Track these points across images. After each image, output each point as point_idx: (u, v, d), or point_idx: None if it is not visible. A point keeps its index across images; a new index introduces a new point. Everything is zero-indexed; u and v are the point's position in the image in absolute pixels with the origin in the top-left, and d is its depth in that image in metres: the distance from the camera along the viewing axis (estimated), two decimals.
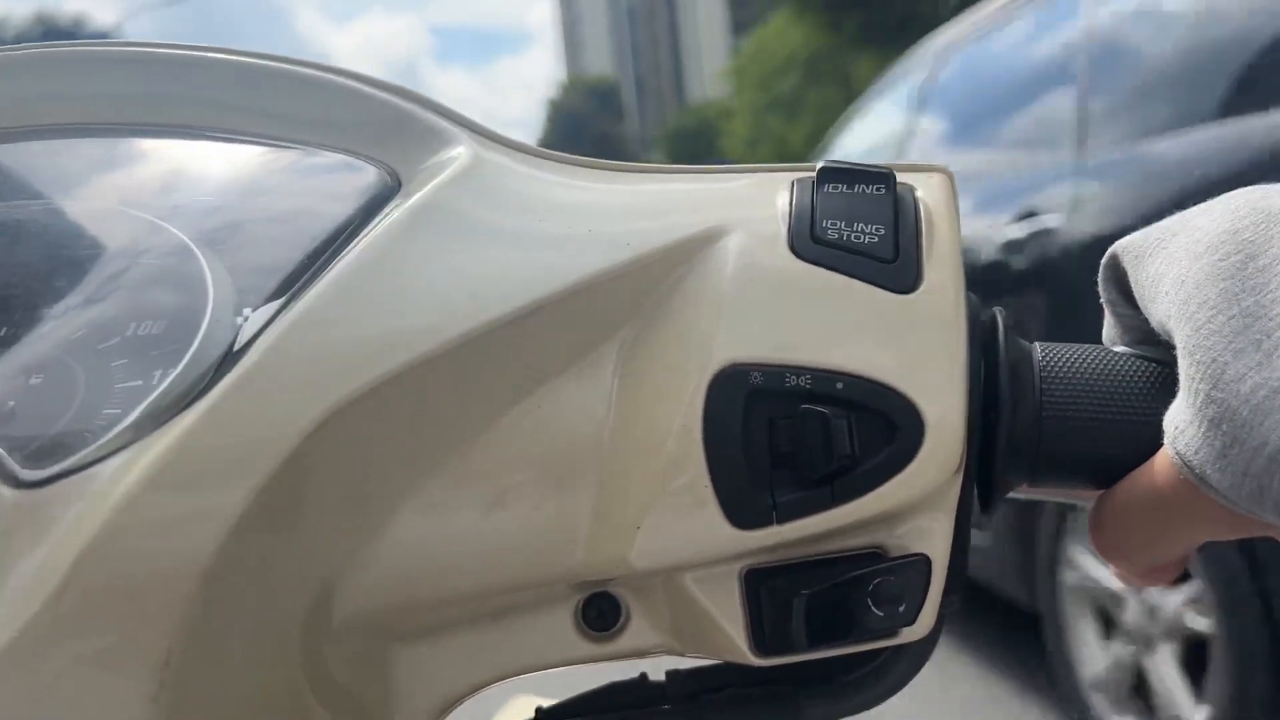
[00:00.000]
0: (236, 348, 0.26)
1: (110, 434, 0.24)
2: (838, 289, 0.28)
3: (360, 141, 0.32)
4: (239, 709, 0.25)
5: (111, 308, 0.29)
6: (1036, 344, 0.31)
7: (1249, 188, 0.28)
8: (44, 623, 0.22)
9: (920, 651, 0.31)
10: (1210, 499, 0.25)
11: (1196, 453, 0.25)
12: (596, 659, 0.31)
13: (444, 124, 0.32)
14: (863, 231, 0.28)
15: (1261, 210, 0.27)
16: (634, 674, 0.35)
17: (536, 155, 0.32)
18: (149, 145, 0.33)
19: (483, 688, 0.32)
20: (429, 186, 0.29)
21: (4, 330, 0.28)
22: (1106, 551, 0.30)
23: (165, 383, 0.25)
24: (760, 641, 0.29)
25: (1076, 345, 0.31)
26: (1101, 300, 0.32)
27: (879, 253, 0.28)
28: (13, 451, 0.24)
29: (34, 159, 0.33)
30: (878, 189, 0.29)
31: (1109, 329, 0.33)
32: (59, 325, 0.28)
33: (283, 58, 0.33)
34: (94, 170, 0.33)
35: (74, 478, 0.23)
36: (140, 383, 0.27)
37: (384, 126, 0.33)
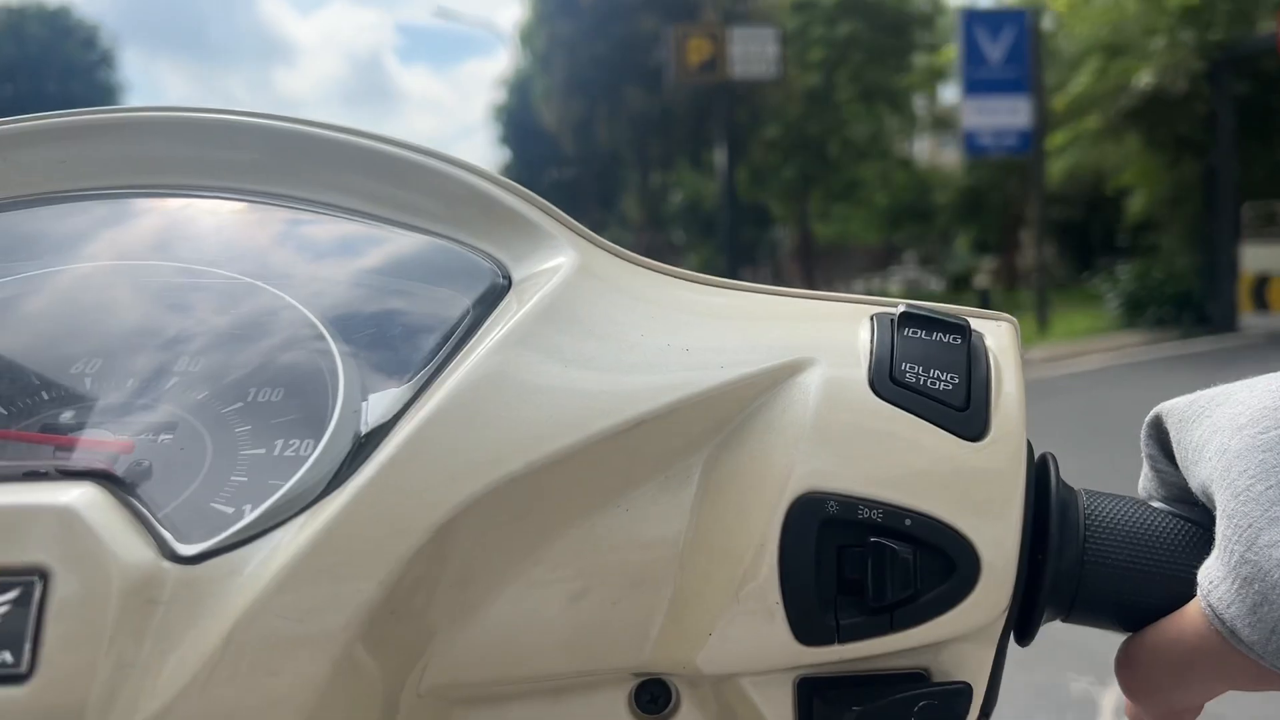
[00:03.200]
0: (363, 432, 0.28)
1: (254, 514, 0.26)
2: (913, 432, 0.30)
3: (474, 234, 0.35)
4: None
5: (233, 373, 0.31)
6: (1082, 490, 0.34)
7: None
8: (199, 687, 0.24)
9: None
10: (1238, 652, 0.28)
11: (1229, 607, 0.28)
12: None
13: (553, 225, 0.35)
14: (938, 378, 0.31)
15: None
16: None
17: (637, 264, 0.35)
18: (270, 217, 0.35)
19: None
20: (543, 293, 0.32)
21: (130, 382, 0.30)
22: (1131, 691, 0.32)
23: (308, 463, 0.27)
24: None
25: (1118, 496, 0.34)
26: (1143, 455, 0.35)
27: (952, 400, 0.30)
28: (162, 521, 0.26)
29: (161, 218, 0.35)
30: (954, 339, 0.32)
31: (1146, 481, 0.35)
32: (181, 384, 0.30)
33: (404, 142, 0.36)
34: (212, 236, 0.35)
35: (226, 556, 0.25)
36: (264, 451, 0.29)
37: (497, 222, 0.35)
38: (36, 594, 0.23)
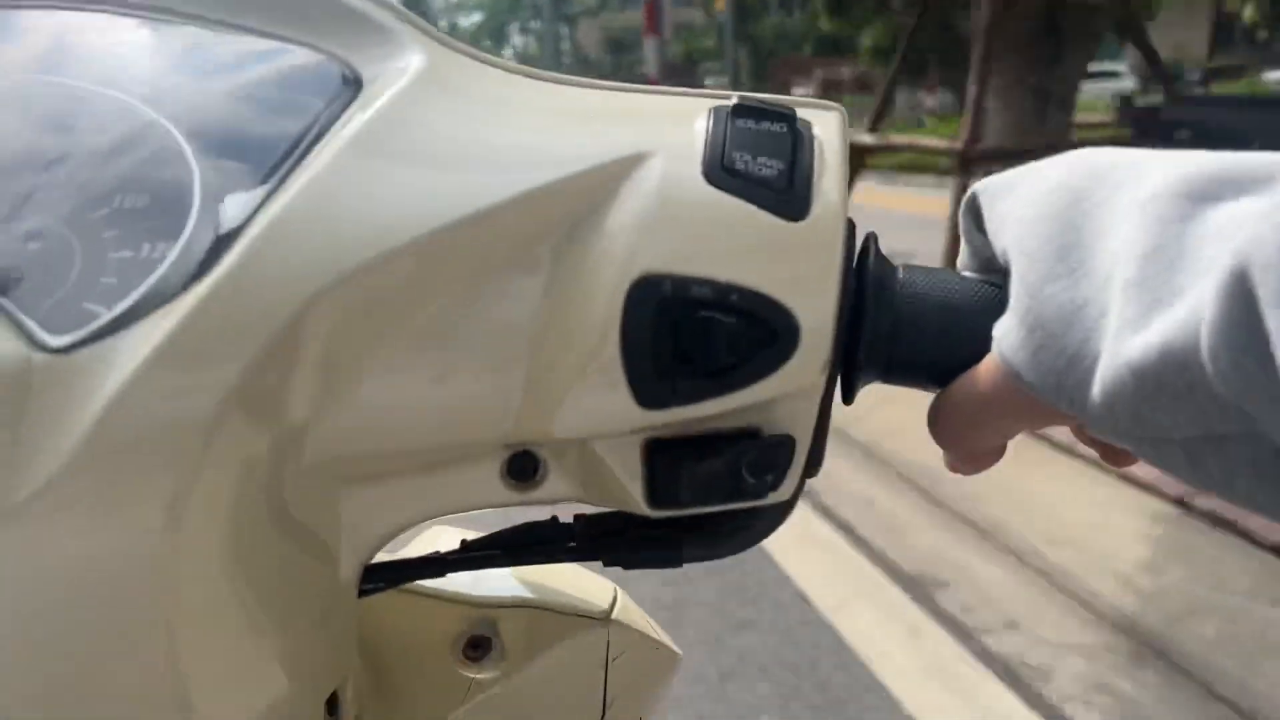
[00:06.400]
0: (222, 230, 0.30)
1: (120, 308, 0.28)
2: (741, 215, 0.33)
3: (324, 37, 0.36)
4: (228, 539, 0.30)
5: (98, 181, 0.32)
6: (901, 265, 0.37)
7: (1088, 148, 0.34)
8: (71, 470, 0.26)
9: (781, 512, 0.38)
10: (1023, 392, 0.32)
11: (1015, 353, 0.32)
12: (516, 504, 0.37)
13: (401, 26, 0.36)
14: (765, 165, 0.33)
15: (1092, 165, 0.33)
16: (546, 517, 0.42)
17: (487, 63, 0.36)
18: (120, 26, 0.36)
19: (418, 523, 0.38)
20: (392, 91, 0.33)
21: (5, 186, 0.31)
22: (939, 439, 0.37)
23: (167, 261, 0.29)
24: (654, 496, 0.35)
25: (934, 268, 0.37)
26: (960, 230, 0.38)
27: (776, 184, 0.33)
28: (29, 317, 0.28)
29: (11, 32, 0.35)
30: (780, 127, 0.34)
31: (963, 255, 0.39)
32: (49, 195, 0.31)
33: None
34: (69, 48, 0.35)
35: (94, 346, 0.27)
36: (132, 254, 0.30)
37: (344, 25, 0.36)
38: None
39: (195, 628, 0.29)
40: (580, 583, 0.50)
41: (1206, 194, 0.29)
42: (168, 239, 0.30)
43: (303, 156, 0.32)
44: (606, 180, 0.33)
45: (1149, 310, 0.27)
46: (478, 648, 0.46)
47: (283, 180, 0.31)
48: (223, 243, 0.29)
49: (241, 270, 0.29)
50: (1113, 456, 0.35)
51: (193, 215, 0.30)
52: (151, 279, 0.29)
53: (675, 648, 0.52)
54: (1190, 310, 0.26)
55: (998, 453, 0.37)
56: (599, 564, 0.46)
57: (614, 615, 0.48)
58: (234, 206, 0.31)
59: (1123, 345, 0.28)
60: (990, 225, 0.36)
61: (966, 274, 0.37)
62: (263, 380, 0.29)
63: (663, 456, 0.34)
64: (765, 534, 0.39)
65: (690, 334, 0.32)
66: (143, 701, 0.29)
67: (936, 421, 0.36)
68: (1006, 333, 0.32)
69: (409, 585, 0.46)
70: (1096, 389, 0.29)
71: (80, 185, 0.32)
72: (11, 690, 0.27)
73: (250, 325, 0.28)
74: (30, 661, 0.27)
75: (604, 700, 0.47)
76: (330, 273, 0.29)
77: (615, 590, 0.50)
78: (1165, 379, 0.27)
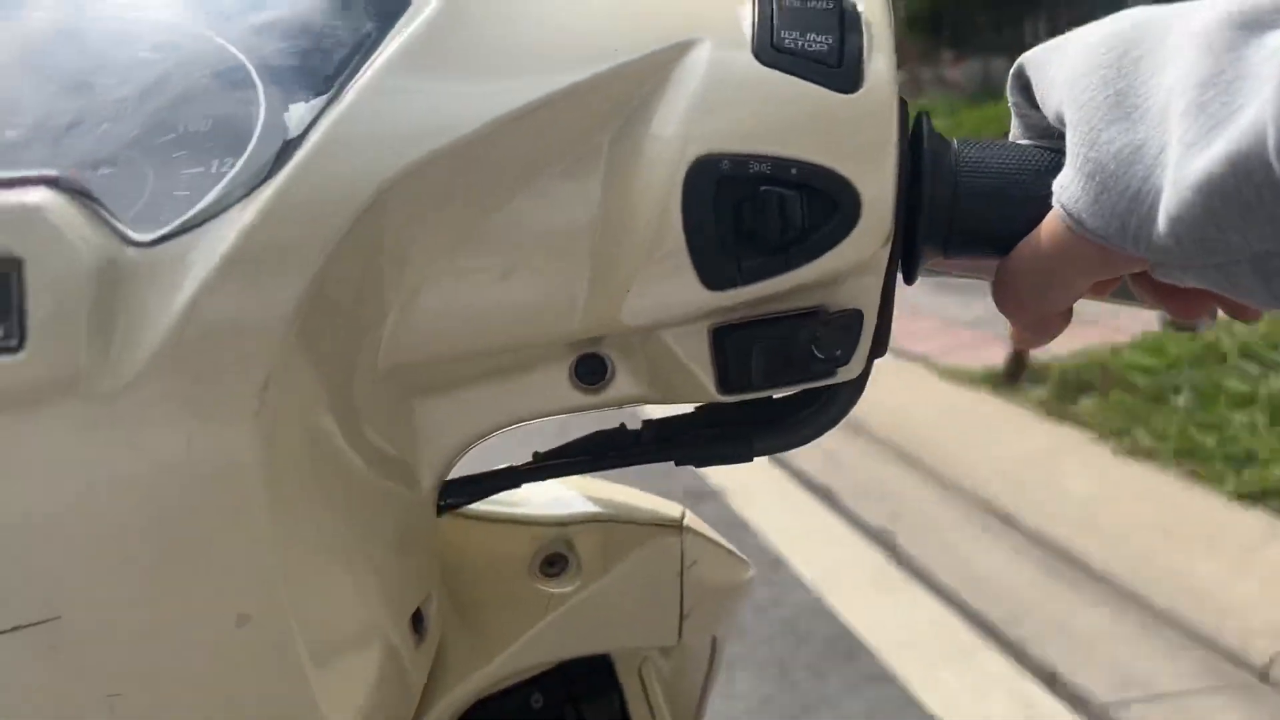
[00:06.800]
0: (289, 136, 0.31)
1: (200, 205, 0.29)
2: (793, 91, 0.33)
3: None
4: (311, 445, 0.31)
5: (160, 107, 0.33)
6: (955, 139, 0.37)
7: (1130, 9, 0.34)
8: (170, 349, 0.27)
9: (851, 394, 0.39)
10: (1089, 241, 0.32)
11: (1076, 201, 0.32)
12: (587, 408, 0.38)
13: None
14: (814, 40, 0.33)
15: (1136, 18, 0.33)
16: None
17: None
18: None
19: (491, 433, 0.38)
20: (437, 2, 0.34)
21: (65, 125, 0.32)
22: (1006, 308, 0.37)
23: (239, 163, 0.30)
24: (725, 382, 0.35)
25: (988, 140, 0.37)
26: (1010, 104, 0.38)
27: (827, 59, 0.33)
28: (118, 217, 0.29)
29: None
30: (827, 3, 0.34)
31: (1014, 129, 0.39)
32: (115, 124, 0.32)
33: None
34: None
35: (179, 239, 0.28)
36: (201, 169, 0.31)
37: None
38: (15, 280, 0.26)
39: (289, 522, 0.30)
40: (647, 500, 0.50)
41: (1258, 22, 0.29)
42: (236, 151, 0.31)
43: (359, 66, 0.32)
44: (657, 68, 0.33)
45: (1211, 131, 0.27)
46: (554, 564, 0.46)
47: (342, 88, 0.32)
48: (290, 146, 0.30)
49: (309, 168, 0.30)
50: (1180, 307, 0.35)
51: (259, 127, 0.31)
52: (225, 180, 0.29)
53: (746, 560, 0.53)
54: (1254, 117, 0.26)
55: (1065, 316, 0.37)
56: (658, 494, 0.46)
57: (685, 524, 0.49)
58: (297, 115, 0.31)
59: (1185, 169, 0.28)
60: (1040, 91, 0.35)
61: (1022, 142, 0.37)
62: (340, 271, 0.30)
63: (732, 339, 0.35)
64: (834, 421, 0.40)
65: (752, 211, 0.32)
66: (241, 595, 0.30)
67: (1001, 289, 0.37)
68: (1066, 185, 0.32)
69: (483, 510, 0.47)
70: (1162, 222, 0.29)
71: (144, 112, 0.32)
72: (111, 579, 0.28)
73: (323, 217, 0.29)
74: (130, 550, 0.28)
75: (680, 609, 0.48)
76: (393, 167, 0.30)
77: (682, 507, 0.51)
78: (1232, 191, 0.27)
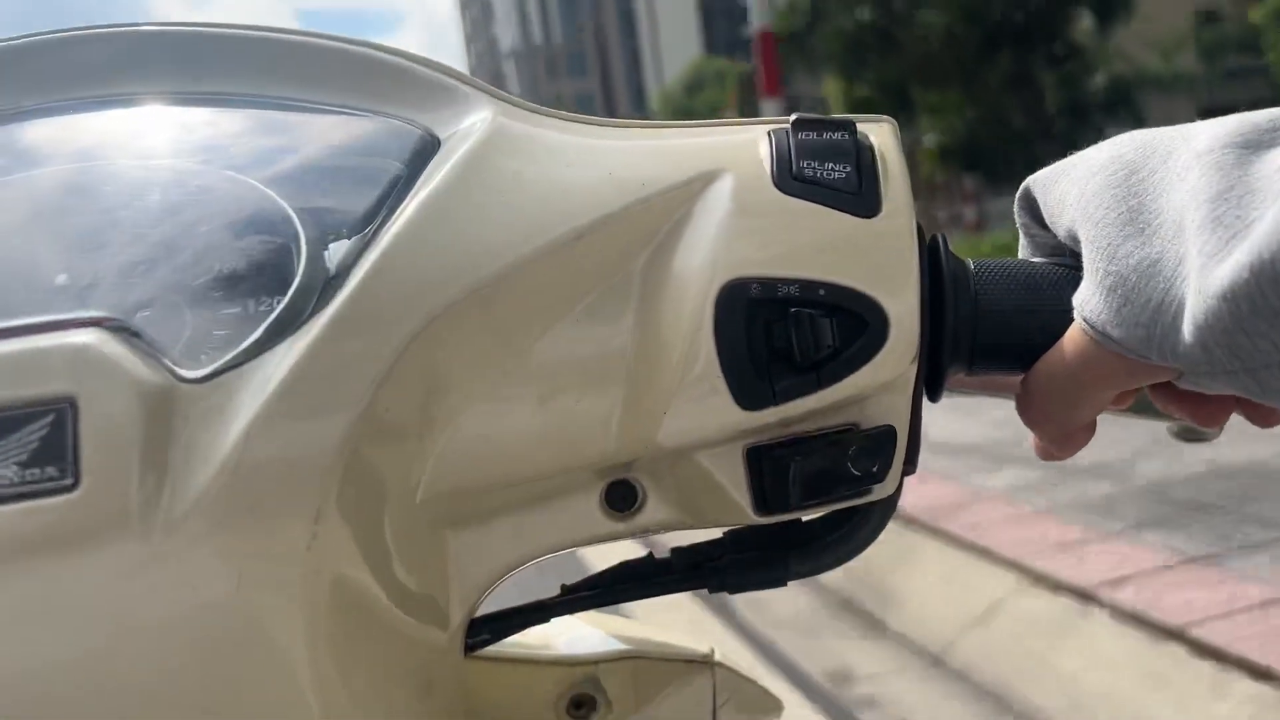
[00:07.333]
0: (331, 274, 0.32)
1: (247, 342, 0.29)
2: (816, 217, 0.34)
3: (399, 106, 0.38)
4: (350, 570, 0.31)
5: (195, 251, 0.33)
6: (970, 259, 0.38)
7: (1131, 132, 0.36)
8: (225, 480, 0.27)
9: (885, 511, 0.39)
10: (1111, 352, 0.33)
11: (1099, 315, 0.33)
12: (618, 536, 0.38)
13: (468, 88, 0.38)
14: (832, 170, 0.35)
15: (1138, 140, 0.35)
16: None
17: (551, 115, 0.38)
18: (216, 111, 0.38)
19: (523, 565, 0.38)
20: (473, 140, 0.35)
21: (103, 271, 0.33)
22: (1031, 422, 0.37)
23: (284, 301, 0.30)
24: (761, 503, 0.35)
25: (1003, 259, 0.38)
26: (1018, 225, 0.40)
27: (846, 186, 0.35)
28: (167, 355, 0.29)
29: (116, 122, 0.38)
30: (842, 135, 0.36)
31: (1023, 249, 0.40)
32: (152, 267, 0.33)
33: (326, 35, 0.39)
34: (161, 132, 0.38)
35: (229, 374, 0.28)
36: (239, 310, 0.32)
37: (415, 91, 0.38)
38: (69, 418, 0.26)
39: (326, 664, 0.30)
40: (674, 635, 0.49)
41: (1260, 141, 0.30)
42: (276, 290, 0.32)
43: (395, 205, 0.33)
44: (683, 199, 0.35)
45: (1230, 241, 0.29)
46: (581, 706, 0.45)
47: (380, 227, 0.33)
48: (331, 285, 0.31)
49: (354, 304, 0.30)
50: (1201, 414, 0.36)
51: (301, 265, 0.32)
52: (270, 318, 0.30)
53: (778, 698, 0.51)
54: (1270, 226, 0.27)
55: (1089, 430, 0.37)
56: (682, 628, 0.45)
57: (715, 660, 0.47)
58: (337, 253, 0.32)
59: (1208, 279, 0.29)
60: (1049, 210, 0.37)
61: (1035, 259, 0.39)
62: (385, 402, 0.30)
63: (768, 459, 0.35)
64: (868, 541, 0.39)
65: (783, 332, 0.33)
66: None
67: (1027, 404, 0.37)
68: (1087, 299, 0.33)
69: (507, 651, 0.46)
70: (1188, 330, 0.30)
71: (176, 254, 0.33)
72: (161, 697, 0.27)
73: (370, 350, 0.30)
74: (177, 690, 0.27)
75: None
76: (435, 302, 0.31)
77: (710, 644, 0.50)
78: (1258, 296, 0.27)
